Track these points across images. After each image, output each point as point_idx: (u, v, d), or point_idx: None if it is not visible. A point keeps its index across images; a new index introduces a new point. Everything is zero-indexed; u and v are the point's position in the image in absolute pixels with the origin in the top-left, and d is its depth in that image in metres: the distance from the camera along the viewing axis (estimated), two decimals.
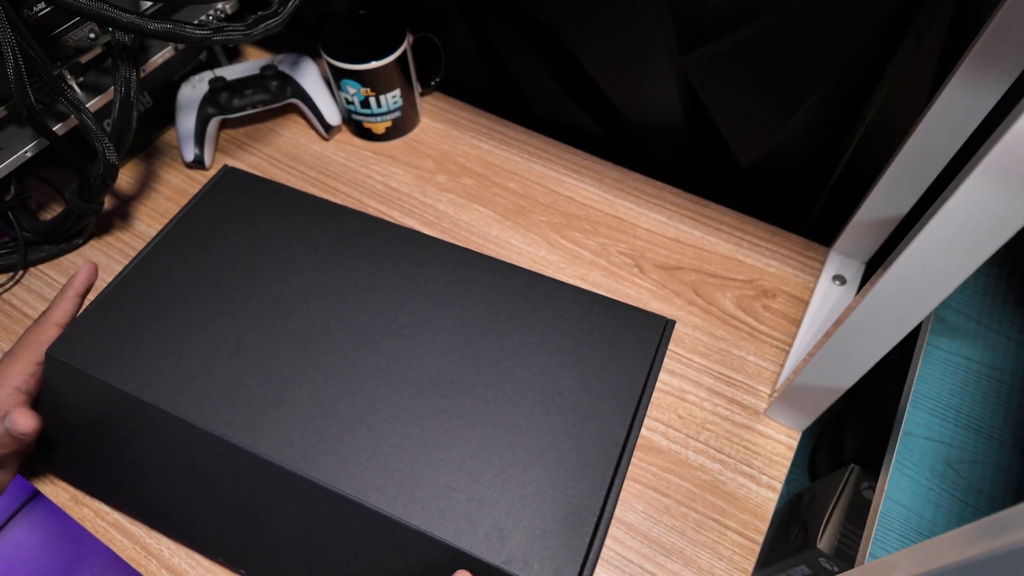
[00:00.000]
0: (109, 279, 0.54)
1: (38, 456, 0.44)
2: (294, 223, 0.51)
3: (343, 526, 0.39)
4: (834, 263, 0.51)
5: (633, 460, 0.44)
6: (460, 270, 0.48)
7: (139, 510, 0.43)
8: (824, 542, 0.58)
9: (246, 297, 0.47)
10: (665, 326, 0.46)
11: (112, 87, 0.48)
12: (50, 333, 0.43)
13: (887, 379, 0.65)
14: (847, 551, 0.57)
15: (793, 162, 0.54)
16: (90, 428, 0.43)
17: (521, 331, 0.45)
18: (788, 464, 0.43)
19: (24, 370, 0.42)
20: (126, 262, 0.55)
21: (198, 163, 0.60)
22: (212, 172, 0.61)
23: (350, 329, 0.45)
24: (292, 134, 0.63)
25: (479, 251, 0.49)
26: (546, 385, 0.43)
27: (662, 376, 0.48)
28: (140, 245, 0.56)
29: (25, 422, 0.39)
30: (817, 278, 0.51)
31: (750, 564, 0.40)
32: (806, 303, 0.50)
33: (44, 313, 0.45)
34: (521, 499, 0.39)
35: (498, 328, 0.45)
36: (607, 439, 0.41)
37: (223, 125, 0.64)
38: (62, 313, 0.44)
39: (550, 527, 0.38)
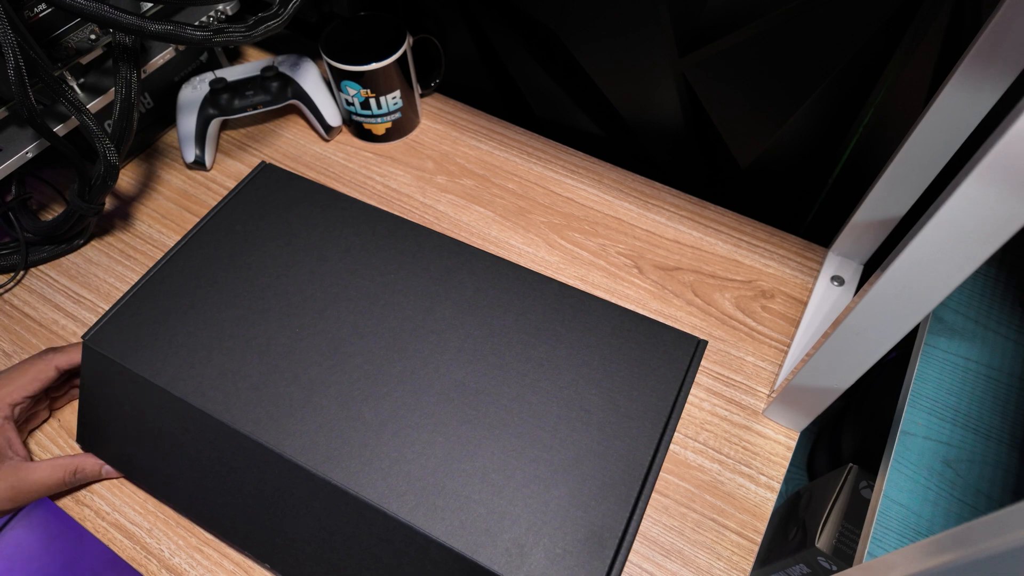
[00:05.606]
0: (112, 280, 0.54)
1: (79, 437, 0.46)
2: (328, 223, 0.51)
3: (363, 530, 0.39)
4: (832, 264, 0.51)
5: None
6: (490, 278, 0.48)
7: (171, 498, 0.43)
8: (823, 541, 0.58)
9: (278, 296, 0.47)
10: (697, 346, 0.45)
11: (113, 88, 0.48)
12: (50, 375, 0.43)
13: (886, 379, 0.66)
14: (846, 550, 0.57)
15: (791, 163, 0.54)
16: (125, 415, 0.44)
17: (549, 343, 0.44)
18: (786, 464, 0.44)
19: (15, 398, 0.42)
20: (127, 263, 0.55)
21: (199, 164, 0.60)
22: (213, 173, 0.61)
23: (378, 333, 0.45)
24: (292, 135, 0.63)
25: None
26: (572, 400, 0.42)
27: None
28: (141, 246, 0.56)
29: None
30: (815, 279, 0.51)
31: (748, 564, 0.40)
32: (804, 304, 0.50)
33: (53, 351, 0.44)
34: (543, 515, 0.38)
35: (526, 339, 0.45)
36: (632, 460, 0.40)
37: (224, 126, 0.64)
38: (68, 363, 0.44)
39: (571, 546, 0.37)
